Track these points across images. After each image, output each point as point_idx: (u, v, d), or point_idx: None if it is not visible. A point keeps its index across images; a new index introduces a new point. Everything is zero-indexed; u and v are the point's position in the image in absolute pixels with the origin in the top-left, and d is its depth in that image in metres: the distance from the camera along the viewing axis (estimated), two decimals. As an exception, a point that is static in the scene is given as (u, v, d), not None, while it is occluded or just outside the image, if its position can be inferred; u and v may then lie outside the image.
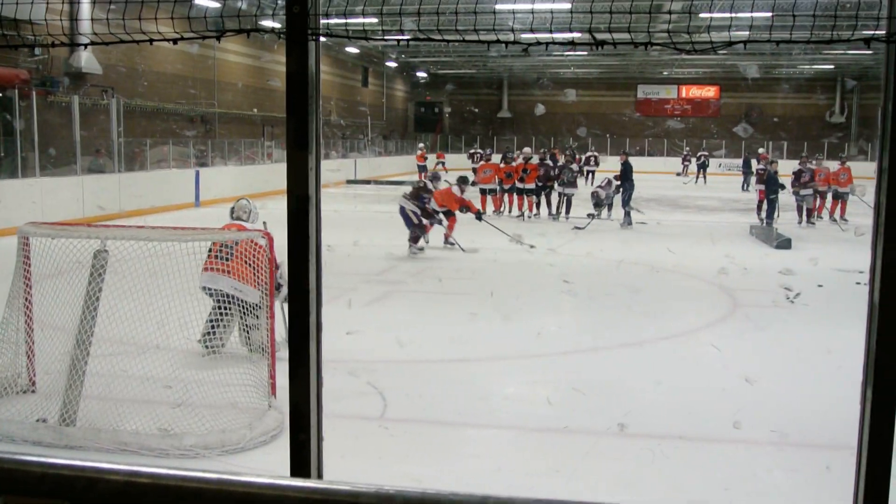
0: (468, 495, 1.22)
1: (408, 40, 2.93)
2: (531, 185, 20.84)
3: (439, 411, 6.55)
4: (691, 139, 47.62)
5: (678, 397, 6.92)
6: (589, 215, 19.55)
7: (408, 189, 15.26)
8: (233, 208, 8.21)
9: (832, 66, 45.42)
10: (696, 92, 52.81)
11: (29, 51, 19.62)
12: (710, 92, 52.47)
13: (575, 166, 22.58)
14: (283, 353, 6.83)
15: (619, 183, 19.76)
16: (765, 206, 19.63)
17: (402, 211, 14.30)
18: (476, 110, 53.45)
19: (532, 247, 14.44)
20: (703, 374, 7.68)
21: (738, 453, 5.79)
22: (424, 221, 14.21)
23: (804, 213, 20.26)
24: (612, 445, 5.88)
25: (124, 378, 6.14)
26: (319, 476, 2.93)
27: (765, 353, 8.46)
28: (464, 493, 1.21)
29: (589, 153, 35.76)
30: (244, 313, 7.16)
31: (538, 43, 2.82)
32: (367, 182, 33.88)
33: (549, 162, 21.99)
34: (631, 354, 8.45)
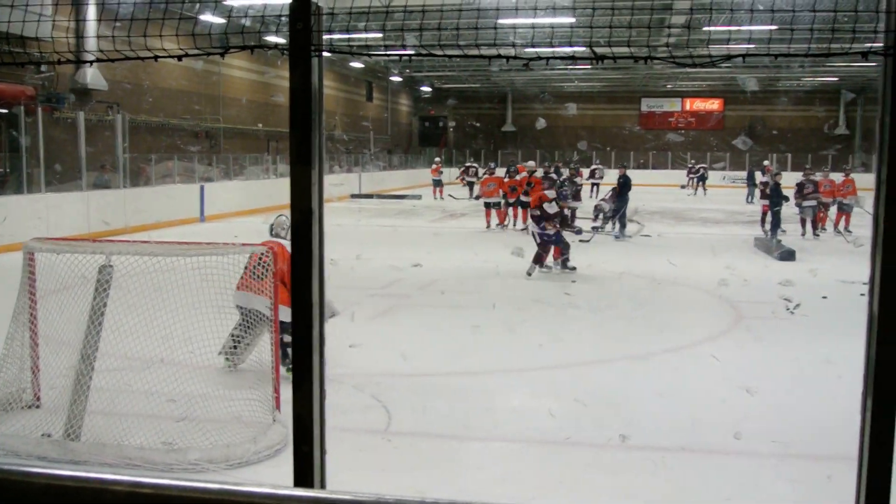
0: (467, 503, 1.24)
1: (410, 55, 2.97)
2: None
3: (443, 424, 6.56)
4: (695, 152, 47.64)
5: (680, 409, 6.93)
6: (593, 228, 19.55)
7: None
8: (272, 225, 8.15)
9: (836, 79, 45.46)
10: (699, 105, 52.87)
11: (35, 67, 19.73)
12: (713, 105, 52.53)
13: (578, 180, 22.60)
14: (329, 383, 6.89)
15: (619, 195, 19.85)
16: (768, 218, 19.62)
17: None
18: (480, 124, 53.52)
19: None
20: (704, 386, 7.68)
21: (739, 464, 5.79)
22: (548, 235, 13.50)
23: (807, 225, 20.24)
24: (615, 457, 5.89)
25: (129, 393, 6.17)
26: (322, 488, 2.95)
27: (765, 364, 8.46)
28: (461, 502, 1.22)
29: (594, 166, 35.78)
30: (283, 332, 6.97)
31: (539, 58, 2.84)
32: (371, 196, 33.91)
33: (554, 175, 22.01)
34: (633, 366, 8.46)
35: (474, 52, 3.14)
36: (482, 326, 9.69)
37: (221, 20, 22.59)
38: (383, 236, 20.35)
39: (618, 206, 19.65)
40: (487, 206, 21.87)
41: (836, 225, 20.98)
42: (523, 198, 20.99)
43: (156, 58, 3.08)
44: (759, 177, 29.28)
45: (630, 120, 53.22)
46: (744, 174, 37.49)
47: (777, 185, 19.43)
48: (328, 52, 3.00)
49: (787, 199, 19.43)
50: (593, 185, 33.79)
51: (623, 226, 19.58)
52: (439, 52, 3.07)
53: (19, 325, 6.43)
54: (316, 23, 2.88)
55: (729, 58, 2.94)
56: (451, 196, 33.38)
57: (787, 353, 8.85)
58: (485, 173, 32.15)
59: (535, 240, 13.42)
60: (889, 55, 2.71)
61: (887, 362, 2.76)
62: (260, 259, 7.00)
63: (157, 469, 5.45)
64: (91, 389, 5.87)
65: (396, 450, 6.00)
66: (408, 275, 13.26)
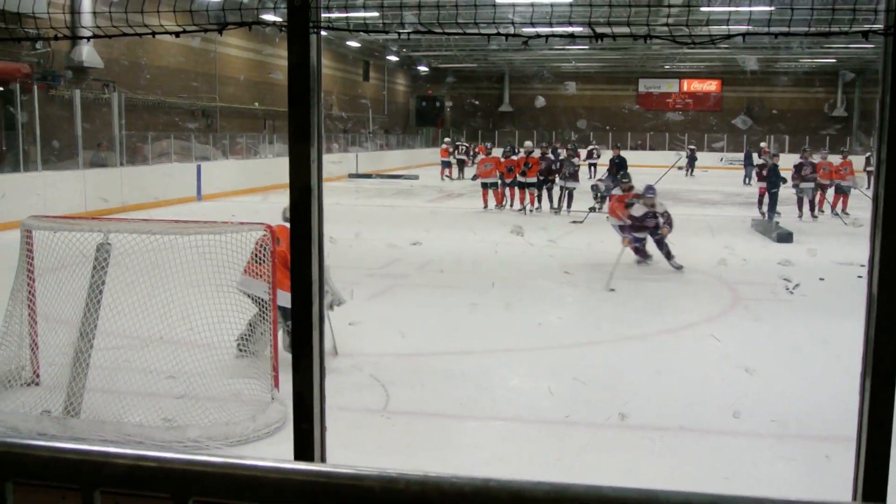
0: (470, 478, 1.24)
1: (409, 33, 2.95)
2: (532, 179, 20.84)
3: (441, 403, 6.58)
4: (693, 132, 47.58)
5: (678, 388, 6.95)
6: (590, 209, 19.56)
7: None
8: (285, 209, 8.00)
9: (834, 60, 45.33)
10: (697, 86, 52.74)
11: (31, 45, 19.63)
12: (711, 86, 52.41)
13: (576, 160, 22.55)
14: (328, 365, 6.83)
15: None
16: (766, 199, 19.61)
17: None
18: (477, 104, 53.38)
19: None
20: (702, 365, 7.71)
21: (737, 443, 5.81)
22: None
23: (804, 206, 20.24)
24: (613, 436, 5.92)
25: (128, 370, 6.18)
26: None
27: (764, 344, 8.48)
28: (465, 476, 1.23)
29: (591, 146, 35.71)
30: (286, 318, 6.93)
31: (538, 36, 2.82)
32: (370, 176, 33.84)
33: (551, 156, 21.99)
34: (631, 345, 8.48)
35: (473, 30, 3.12)
36: (480, 305, 9.71)
37: (218, -2, 22.46)
38: (382, 215, 20.32)
39: (612, 186, 19.65)
40: (485, 186, 21.84)
41: (833, 207, 20.97)
42: (520, 178, 21.00)
43: (153, 34, 3.07)
44: (755, 158, 29.31)
45: (628, 100, 53.09)
46: (741, 155, 37.47)
47: (775, 167, 19.41)
48: (326, 29, 2.99)
49: (784, 180, 19.41)
50: (590, 165, 33.77)
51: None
52: (438, 30, 3.06)
53: (18, 302, 6.44)
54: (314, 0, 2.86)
55: (729, 37, 2.93)
56: (447, 177, 33.36)
57: (785, 334, 8.88)
58: (473, 151, 32.09)
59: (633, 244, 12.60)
60: (889, 35, 2.70)
61: (886, 343, 2.76)
62: (263, 243, 6.91)
63: (156, 446, 5.47)
64: (90, 367, 5.87)
65: (395, 428, 6.02)
66: (406, 254, 13.26)
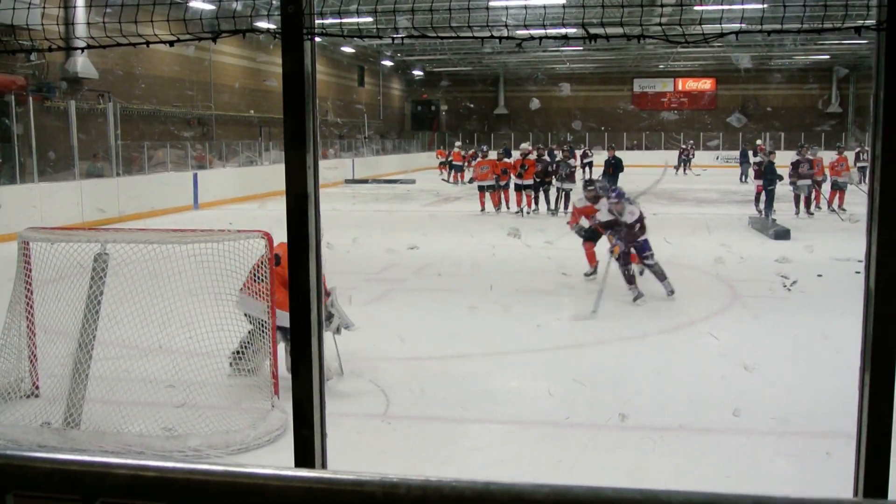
0: (471, 482, 1.24)
1: (402, 38, 2.95)
2: (529, 181, 20.86)
3: (441, 407, 6.58)
4: (688, 131, 47.66)
5: (678, 387, 6.96)
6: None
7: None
8: None
9: (827, 56, 45.44)
10: (692, 85, 52.86)
11: (25, 56, 19.64)
12: (706, 84, 52.53)
13: (573, 161, 22.57)
14: (333, 384, 6.77)
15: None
16: (762, 197, 19.63)
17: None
18: (472, 107, 53.47)
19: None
20: (701, 364, 7.71)
21: (738, 441, 5.82)
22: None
23: (801, 203, 20.26)
24: (614, 436, 5.91)
25: (128, 381, 6.17)
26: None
27: (763, 342, 8.49)
28: (466, 480, 1.23)
29: (584, 149, 35.73)
30: (286, 339, 6.62)
31: (532, 38, 2.83)
32: (366, 181, 33.85)
33: (547, 157, 22.01)
34: (630, 345, 8.49)
35: (467, 33, 3.13)
36: (479, 308, 9.70)
37: (212, 6, 22.50)
38: (379, 220, 20.33)
39: (609, 187, 19.65)
40: (481, 189, 21.85)
41: (829, 203, 21.00)
42: (517, 180, 21.02)
43: (147, 43, 3.07)
44: (751, 156, 29.34)
45: (623, 101, 53.19)
46: (736, 153, 37.53)
47: (771, 164, 19.42)
48: (320, 35, 2.99)
49: (780, 178, 19.42)
50: (585, 165, 33.84)
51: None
52: (432, 34, 3.06)
53: (16, 314, 6.43)
54: (307, 6, 2.86)
55: (722, 35, 2.94)
56: (443, 180, 33.42)
57: (784, 330, 8.88)
58: (468, 155, 32.17)
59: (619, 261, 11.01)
60: (882, 30, 2.71)
61: (884, 337, 2.77)
62: (263, 260, 6.74)
63: (157, 455, 5.46)
64: (90, 377, 5.87)
65: (395, 433, 6.02)
66: (404, 258, 13.25)
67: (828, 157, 21.88)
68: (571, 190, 20.94)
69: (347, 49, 41.94)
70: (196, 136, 28.77)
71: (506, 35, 2.85)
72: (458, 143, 36.75)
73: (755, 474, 5.30)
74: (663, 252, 13.42)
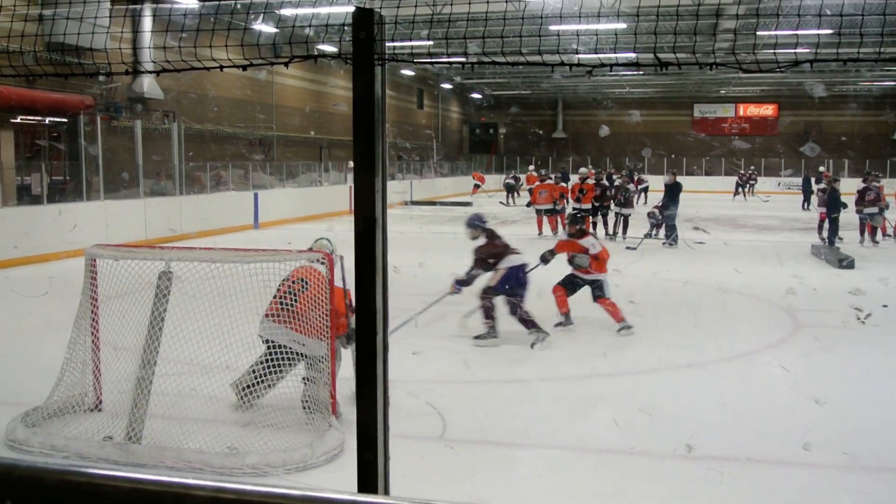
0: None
1: (472, 63, 2.96)
2: (587, 206, 20.76)
3: (501, 431, 6.53)
4: (750, 158, 47.10)
5: (746, 418, 6.82)
6: (644, 235, 19.42)
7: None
8: (317, 240, 7.65)
9: (894, 83, 44.59)
10: (753, 110, 52.27)
11: (93, 78, 20.16)
12: (767, 110, 51.91)
13: (631, 186, 22.42)
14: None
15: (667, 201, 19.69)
16: (826, 225, 19.29)
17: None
18: (531, 131, 53.51)
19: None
20: (771, 396, 7.55)
21: (807, 476, 5.68)
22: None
23: (867, 232, 19.83)
24: (679, 467, 5.80)
25: (190, 397, 6.24)
26: (386, 494, 2.95)
27: (835, 375, 8.30)
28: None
29: (638, 175, 35.46)
30: (307, 366, 6.60)
31: (602, 65, 2.82)
32: (433, 203, 34.07)
33: (606, 182, 21.90)
34: (698, 375, 8.34)
35: (536, 59, 3.13)
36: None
37: (274, 29, 22.89)
38: (442, 243, 20.31)
39: (666, 212, 19.50)
40: (539, 212, 21.80)
41: (895, 232, 20.55)
42: (575, 204, 20.93)
43: (221, 67, 3.12)
44: (814, 183, 28.88)
45: (683, 126, 52.80)
46: (799, 180, 37.02)
47: (835, 192, 19.08)
48: (391, 61, 3.02)
49: (845, 205, 19.07)
50: (640, 191, 33.62)
51: (671, 233, 19.39)
52: (501, 60, 3.07)
53: (81, 329, 6.56)
54: (378, 32, 2.89)
55: (797, 63, 2.89)
56: (500, 203, 33.45)
57: (858, 364, 8.68)
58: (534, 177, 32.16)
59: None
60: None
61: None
62: (290, 287, 6.65)
63: (216, 472, 5.51)
64: (152, 393, 5.95)
65: (456, 457, 5.98)
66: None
67: (891, 185, 21.39)
68: (630, 215, 20.81)
69: (407, 72, 42.31)
70: (257, 156, 29.20)
71: (576, 62, 2.84)
72: (531, 167, 36.53)
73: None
74: (732, 281, 13.24)
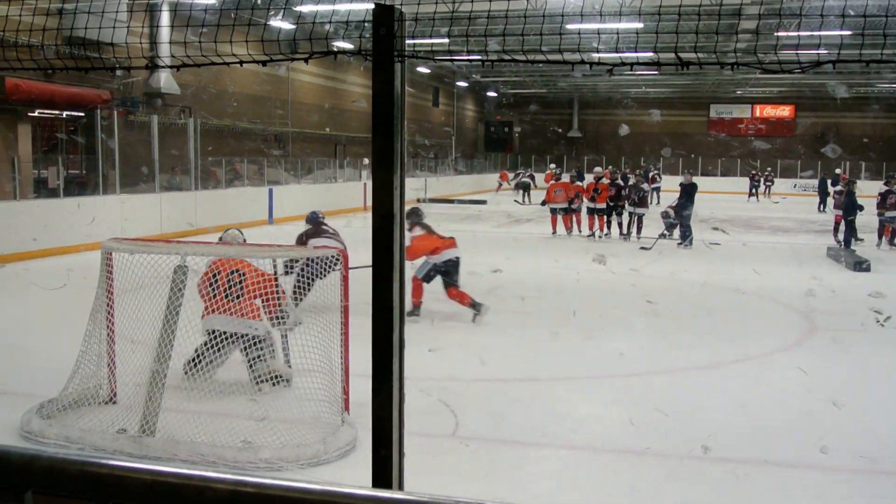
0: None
1: (493, 61, 2.95)
2: (602, 205, 20.72)
3: (516, 430, 6.52)
4: (767, 159, 46.90)
5: (762, 420, 6.78)
6: (659, 235, 19.35)
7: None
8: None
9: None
10: (770, 111, 52.07)
11: (110, 72, 20.24)
12: (784, 111, 51.70)
13: (646, 186, 22.35)
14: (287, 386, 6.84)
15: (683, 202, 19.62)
16: (842, 227, 19.17)
17: None
18: (546, 129, 53.44)
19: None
20: (788, 398, 7.51)
21: (823, 479, 5.64)
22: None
23: (886, 235, 19.69)
24: (694, 468, 5.77)
25: (202, 391, 6.26)
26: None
27: (852, 377, 8.26)
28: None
29: (652, 172, 35.35)
30: (249, 346, 6.92)
31: (623, 63, 2.81)
32: (450, 201, 34.04)
33: (620, 181, 21.86)
34: (715, 376, 8.30)
35: (556, 57, 3.12)
36: (561, 333, 9.60)
37: (292, 25, 22.92)
38: (459, 241, 20.30)
39: (683, 212, 19.44)
40: (553, 211, 21.78)
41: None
42: (590, 203, 20.90)
43: (241, 62, 3.12)
44: (830, 185, 28.72)
45: (699, 126, 52.64)
46: (814, 182, 36.87)
47: (851, 194, 18.97)
48: (411, 57, 3.01)
49: (861, 208, 18.95)
50: (653, 190, 33.54)
51: (686, 234, 19.34)
52: (522, 58, 3.06)
53: (97, 322, 6.58)
54: (399, 28, 2.89)
55: (818, 63, 2.87)
56: (515, 201, 33.42)
57: (876, 367, 8.63)
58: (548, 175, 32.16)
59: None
60: None
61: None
62: (229, 279, 6.94)
63: (229, 466, 5.52)
64: (166, 386, 5.97)
65: (469, 455, 5.97)
66: (486, 281, 13.17)
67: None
68: (644, 214, 20.75)
69: (423, 69, 42.30)
70: (272, 151, 29.26)
71: (597, 61, 2.83)
72: (552, 165, 36.28)
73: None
74: (750, 282, 13.19)
